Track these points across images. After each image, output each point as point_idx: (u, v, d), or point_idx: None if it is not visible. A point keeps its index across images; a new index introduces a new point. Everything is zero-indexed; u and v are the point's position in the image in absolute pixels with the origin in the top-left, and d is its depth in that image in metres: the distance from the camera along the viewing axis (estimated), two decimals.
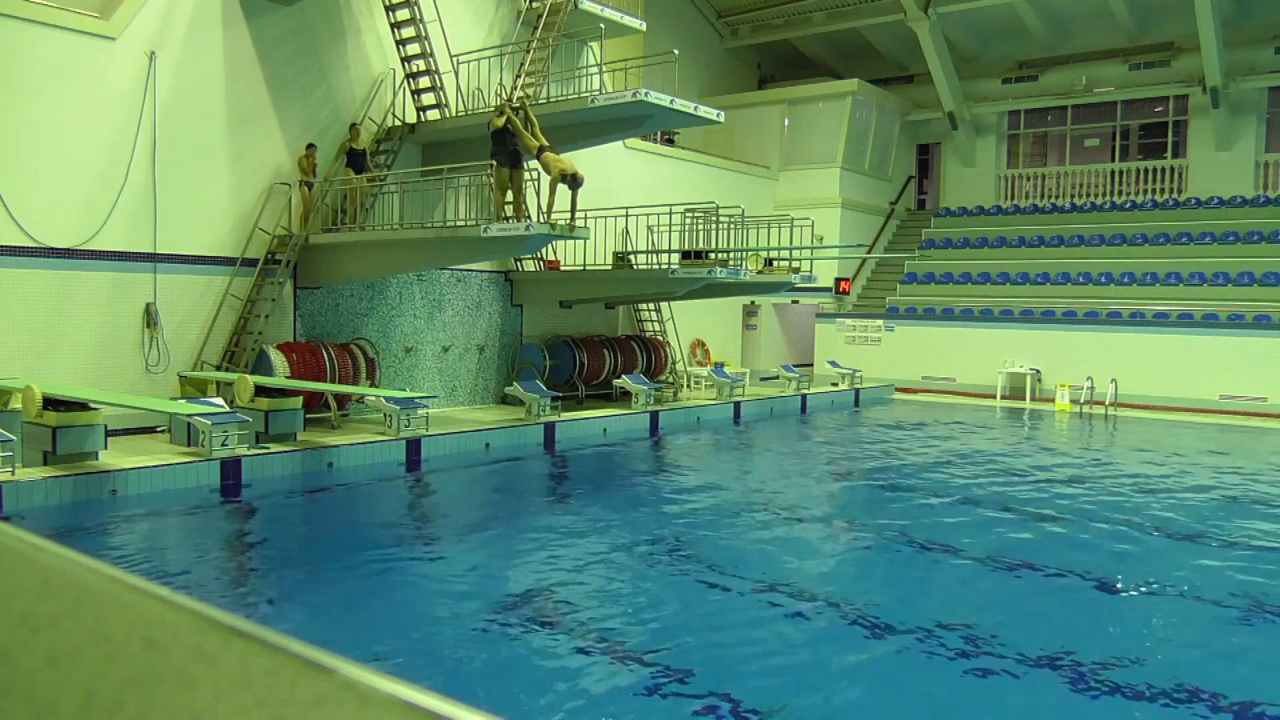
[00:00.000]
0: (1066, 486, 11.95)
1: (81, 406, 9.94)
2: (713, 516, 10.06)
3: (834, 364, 22.49)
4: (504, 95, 16.18)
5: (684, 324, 21.53)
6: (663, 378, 18.93)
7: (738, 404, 18.22)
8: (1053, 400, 20.64)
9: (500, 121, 12.77)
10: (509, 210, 12.73)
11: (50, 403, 9.75)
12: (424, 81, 15.24)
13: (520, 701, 5.18)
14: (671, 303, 20.30)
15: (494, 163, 12.84)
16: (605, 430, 15.34)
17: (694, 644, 6.14)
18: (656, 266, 17.20)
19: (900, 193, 27.82)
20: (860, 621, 6.62)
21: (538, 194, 13.95)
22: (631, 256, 17.64)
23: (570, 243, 16.55)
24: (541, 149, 12.64)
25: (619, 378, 17.30)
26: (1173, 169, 24.76)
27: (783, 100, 25.71)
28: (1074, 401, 19.91)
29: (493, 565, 8.23)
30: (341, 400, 13.59)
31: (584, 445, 14.42)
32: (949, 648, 6.06)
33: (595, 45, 16.58)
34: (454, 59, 15.80)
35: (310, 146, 14.21)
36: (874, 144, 26.12)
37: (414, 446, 12.56)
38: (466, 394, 16.82)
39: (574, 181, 12.53)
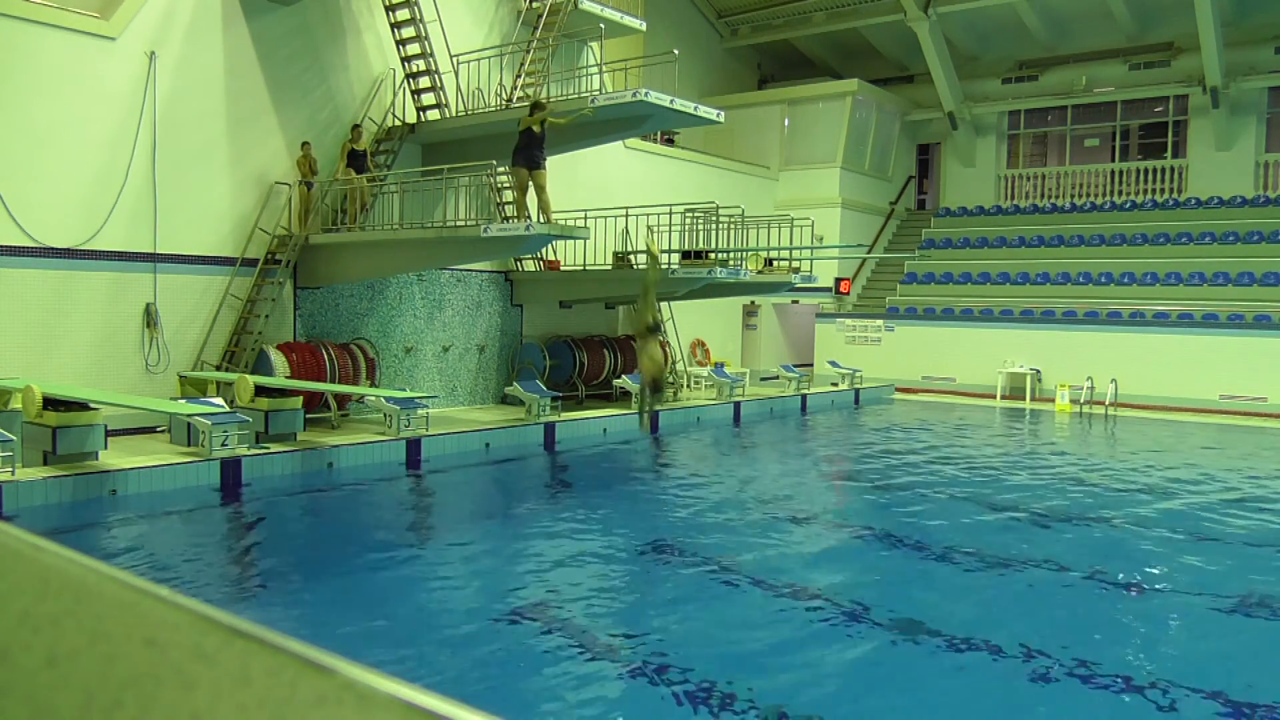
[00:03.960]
0: (1071, 485, 11.94)
1: (81, 406, 9.94)
2: (714, 516, 10.05)
3: (834, 364, 22.49)
4: (503, 95, 16.20)
5: (684, 324, 21.52)
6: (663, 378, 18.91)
7: (738, 404, 18.22)
8: (1053, 400, 20.63)
9: (536, 124, 12.73)
10: (527, 210, 12.74)
11: (50, 403, 9.75)
12: (424, 81, 15.24)
13: (520, 702, 5.18)
14: (671, 303, 20.30)
15: (511, 164, 12.86)
16: (605, 430, 15.34)
17: (698, 645, 6.14)
18: None
19: (900, 193, 27.82)
20: (864, 620, 6.62)
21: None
22: (631, 256, 17.65)
23: (570, 243, 16.56)
24: (652, 327, 10.96)
25: (619, 378, 17.30)
26: (1173, 169, 24.76)
27: (783, 100, 25.71)
28: (1074, 401, 19.91)
29: (493, 565, 8.23)
30: (341, 400, 13.59)
31: (584, 445, 14.42)
32: (962, 649, 6.06)
33: (595, 45, 16.58)
34: (454, 59, 15.80)
35: (304, 144, 14.19)
36: (874, 144, 26.12)
37: (414, 446, 12.56)
38: (466, 394, 16.82)
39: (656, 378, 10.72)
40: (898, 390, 22.90)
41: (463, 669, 5.67)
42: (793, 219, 18.63)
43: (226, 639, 0.51)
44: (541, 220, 12.62)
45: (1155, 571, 8.17)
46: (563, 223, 12.66)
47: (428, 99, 15.31)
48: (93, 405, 10.04)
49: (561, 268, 17.90)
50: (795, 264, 18.89)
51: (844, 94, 24.98)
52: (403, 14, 14.95)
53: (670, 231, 17.95)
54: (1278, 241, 21.75)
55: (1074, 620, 6.80)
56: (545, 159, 12.90)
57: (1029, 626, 6.60)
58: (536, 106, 13.07)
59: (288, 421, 11.73)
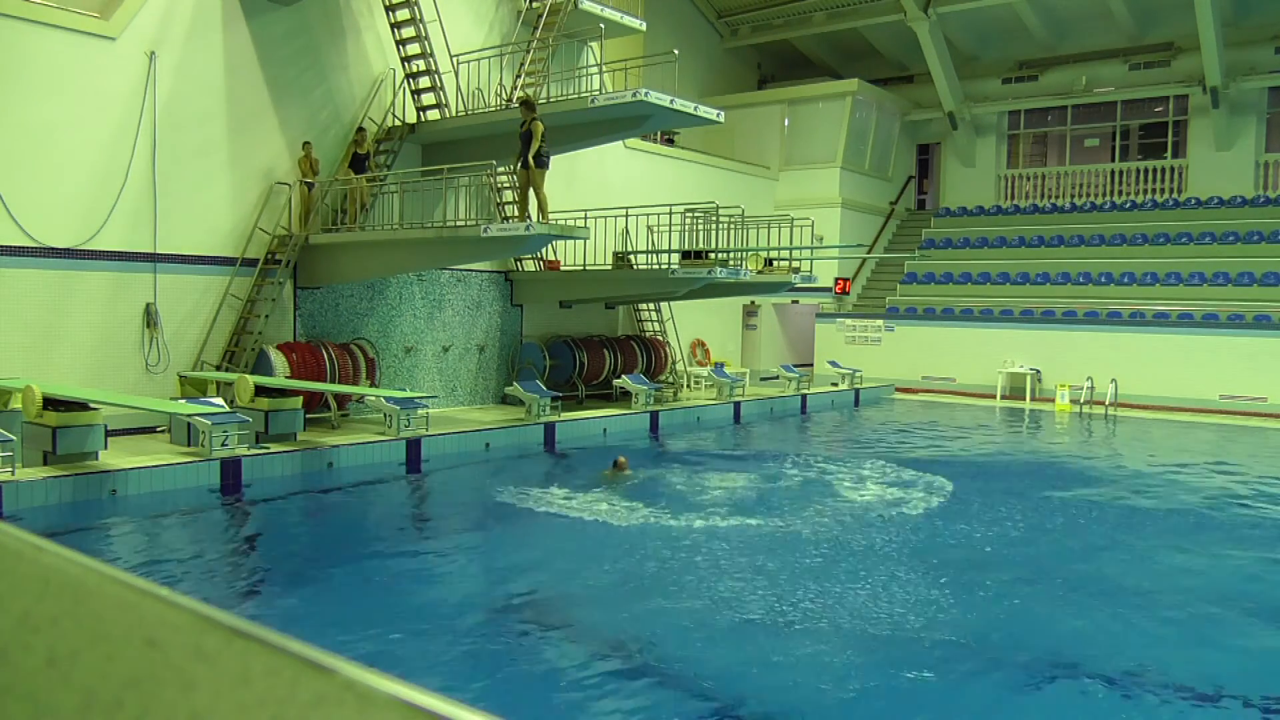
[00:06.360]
0: (1075, 484, 11.94)
1: (81, 406, 9.94)
2: (717, 515, 10.04)
3: (834, 364, 22.48)
4: (503, 95, 16.19)
5: (684, 324, 21.52)
6: (663, 378, 18.93)
7: (738, 404, 18.22)
8: (1052, 400, 20.64)
9: (538, 128, 12.77)
10: (530, 210, 12.75)
11: (50, 403, 9.75)
12: (424, 81, 15.23)
13: (520, 702, 5.18)
14: (671, 303, 20.30)
15: (515, 164, 12.88)
16: (605, 430, 15.34)
17: (700, 647, 6.14)
18: (656, 266, 17.19)
19: (900, 193, 27.82)
20: (870, 627, 6.62)
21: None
22: (631, 256, 17.65)
23: (570, 243, 16.55)
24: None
25: (619, 378, 17.30)
26: (1173, 169, 24.75)
27: (783, 100, 25.71)
28: (1074, 401, 19.91)
29: (493, 566, 8.23)
30: (341, 400, 13.58)
31: (584, 445, 14.41)
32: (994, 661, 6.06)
33: (595, 45, 16.58)
34: (454, 59, 15.80)
35: (306, 144, 14.18)
36: (874, 144, 26.12)
37: (414, 446, 12.55)
38: (466, 394, 16.82)
39: None
40: (898, 390, 22.90)
41: (462, 668, 5.67)
42: (793, 219, 18.63)
43: (226, 639, 0.51)
44: (539, 220, 12.62)
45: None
46: (563, 223, 12.66)
47: (428, 99, 15.30)
48: (93, 405, 10.04)
49: (561, 268, 17.90)
50: (795, 264, 18.89)
51: (844, 94, 24.98)
52: (403, 14, 14.94)
53: (670, 231, 17.96)
54: (1278, 241, 21.74)
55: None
56: (534, 158, 12.82)
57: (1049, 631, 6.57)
58: (526, 105, 13.07)
59: (288, 421, 11.72)
